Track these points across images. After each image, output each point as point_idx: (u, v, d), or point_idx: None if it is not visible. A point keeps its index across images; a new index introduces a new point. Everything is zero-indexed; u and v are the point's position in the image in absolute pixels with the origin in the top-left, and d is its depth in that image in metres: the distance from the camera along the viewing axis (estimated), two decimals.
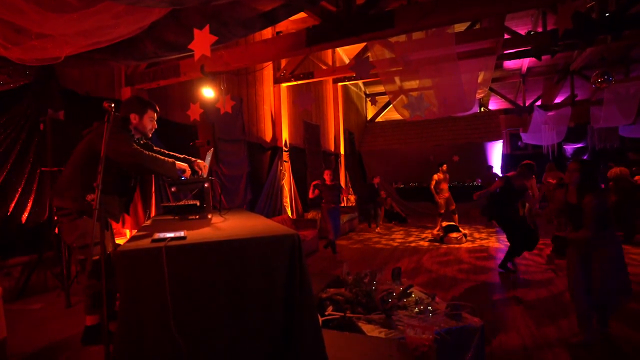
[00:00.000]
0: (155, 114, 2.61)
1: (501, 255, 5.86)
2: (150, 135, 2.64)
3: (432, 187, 7.66)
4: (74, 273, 3.77)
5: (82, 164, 2.37)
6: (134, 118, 2.48)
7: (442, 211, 7.70)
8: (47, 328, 2.87)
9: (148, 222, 2.44)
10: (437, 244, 7.03)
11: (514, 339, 2.85)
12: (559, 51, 5.95)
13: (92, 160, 2.28)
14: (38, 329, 2.87)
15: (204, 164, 2.60)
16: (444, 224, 7.31)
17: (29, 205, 3.73)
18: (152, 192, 4.73)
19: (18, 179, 3.65)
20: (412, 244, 7.08)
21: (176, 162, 2.42)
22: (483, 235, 7.72)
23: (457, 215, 7.88)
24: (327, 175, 6.19)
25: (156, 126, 2.66)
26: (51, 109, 3.79)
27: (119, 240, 4.26)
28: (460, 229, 7.27)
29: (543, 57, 6.70)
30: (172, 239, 1.52)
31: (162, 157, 2.37)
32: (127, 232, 4.73)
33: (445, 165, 7.69)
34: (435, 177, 7.67)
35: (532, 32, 6.37)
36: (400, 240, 7.56)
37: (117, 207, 2.51)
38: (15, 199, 3.63)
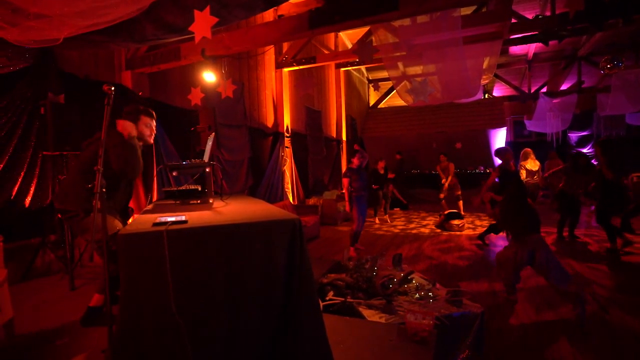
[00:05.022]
0: (152, 120, 2.65)
1: (501, 243, 5.88)
2: (152, 141, 2.69)
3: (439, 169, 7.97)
4: (77, 257, 3.81)
5: (87, 170, 2.38)
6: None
7: (442, 196, 7.82)
8: (51, 310, 2.91)
9: (149, 207, 2.44)
10: (438, 230, 7.05)
11: (513, 325, 2.88)
12: (567, 36, 5.82)
13: (92, 170, 2.35)
14: (43, 310, 2.91)
15: None
16: (447, 211, 7.31)
17: (32, 189, 3.74)
18: (153, 177, 4.73)
19: (20, 163, 3.65)
20: (413, 231, 7.10)
21: None
22: (484, 223, 7.73)
23: (461, 202, 7.91)
24: (357, 159, 5.34)
25: (155, 132, 2.70)
26: (51, 92, 3.75)
27: None
28: (463, 215, 7.29)
29: (550, 43, 6.56)
30: (173, 222, 1.52)
31: None
32: None
33: (442, 155, 7.94)
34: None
35: (540, 16, 6.20)
36: (401, 227, 7.58)
37: (119, 210, 2.63)
38: (18, 183, 3.63)
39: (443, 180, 7.99)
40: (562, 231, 5.88)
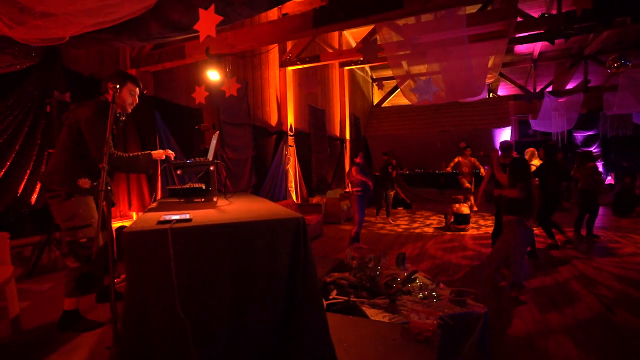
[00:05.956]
0: (137, 89, 2.62)
1: None
2: (130, 110, 2.65)
3: (450, 167, 7.86)
4: None
5: (70, 147, 2.39)
6: (113, 90, 2.47)
7: (468, 185, 7.77)
8: (57, 305, 2.93)
9: (154, 205, 2.45)
10: (440, 230, 7.02)
11: (517, 325, 2.86)
12: (574, 34, 5.75)
13: (79, 143, 2.36)
14: (48, 307, 2.93)
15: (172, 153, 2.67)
16: (457, 206, 7.14)
17: (38, 186, 3.77)
18: (157, 175, 4.75)
19: (26, 160, 3.68)
20: (417, 230, 7.08)
21: (152, 152, 2.52)
22: (488, 223, 7.69)
23: (473, 197, 7.88)
24: (360, 159, 5.51)
25: (137, 101, 2.66)
26: (57, 90, 3.78)
27: (126, 223, 4.30)
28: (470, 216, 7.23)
29: (556, 41, 6.50)
30: (177, 220, 1.53)
31: (134, 155, 2.46)
32: (134, 214, 4.78)
33: (469, 149, 7.81)
34: (457, 159, 7.92)
35: (545, 15, 6.14)
36: (404, 226, 7.57)
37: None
38: (24, 180, 3.66)
39: (465, 182, 7.87)
40: (580, 229, 5.94)
